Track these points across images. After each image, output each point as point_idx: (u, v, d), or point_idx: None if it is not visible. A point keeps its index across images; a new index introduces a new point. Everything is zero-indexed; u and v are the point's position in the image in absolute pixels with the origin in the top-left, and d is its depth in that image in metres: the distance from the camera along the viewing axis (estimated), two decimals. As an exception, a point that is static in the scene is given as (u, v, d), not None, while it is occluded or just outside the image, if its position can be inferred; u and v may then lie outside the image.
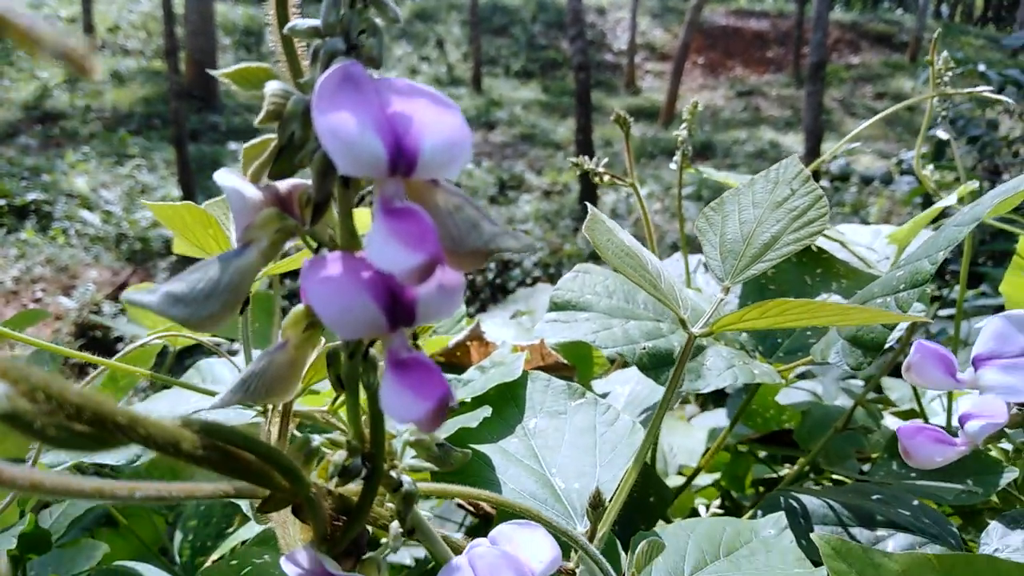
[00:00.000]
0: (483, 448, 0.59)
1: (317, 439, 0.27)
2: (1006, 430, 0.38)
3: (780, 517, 0.58)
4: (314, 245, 0.28)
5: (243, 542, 0.72)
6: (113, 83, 10.66)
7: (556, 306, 0.71)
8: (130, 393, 0.92)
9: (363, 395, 0.26)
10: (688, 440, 1.01)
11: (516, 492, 0.54)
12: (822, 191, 0.57)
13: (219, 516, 0.81)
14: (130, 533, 0.94)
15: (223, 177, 0.27)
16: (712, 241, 0.60)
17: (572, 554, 0.47)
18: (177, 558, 0.79)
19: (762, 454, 1.00)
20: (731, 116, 11.76)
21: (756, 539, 0.57)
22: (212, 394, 0.65)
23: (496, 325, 1.25)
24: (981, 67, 6.93)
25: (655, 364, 0.66)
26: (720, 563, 0.54)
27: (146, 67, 11.49)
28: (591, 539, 0.46)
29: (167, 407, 0.69)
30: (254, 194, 0.27)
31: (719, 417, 1.11)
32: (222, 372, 0.74)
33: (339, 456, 0.27)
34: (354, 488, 0.27)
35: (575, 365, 0.93)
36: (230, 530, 0.77)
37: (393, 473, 0.28)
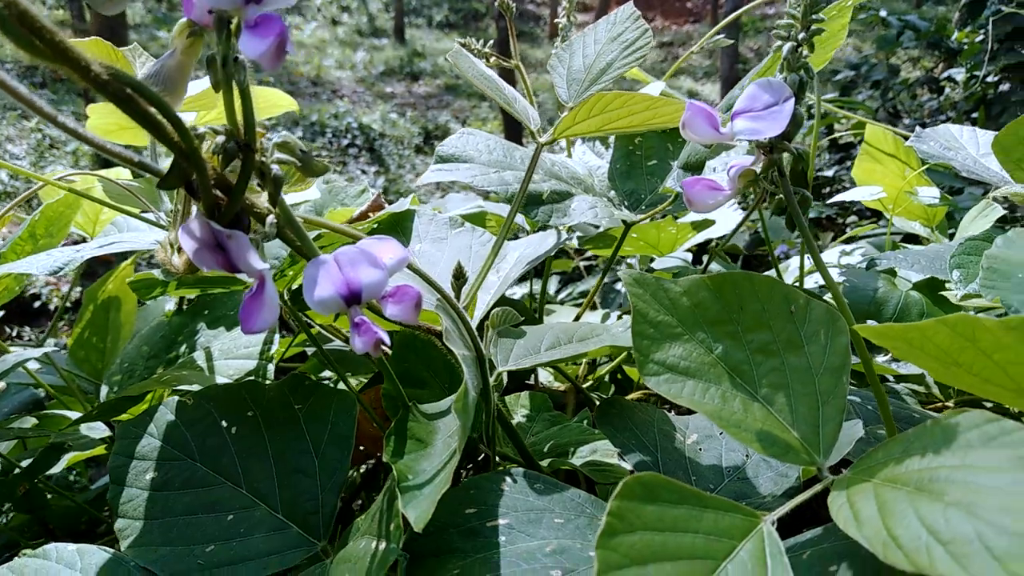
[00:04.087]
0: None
1: (203, 129, 0.35)
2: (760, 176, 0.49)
3: (625, 318, 0.69)
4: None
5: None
6: (11, 33, 10.07)
7: (441, 159, 0.80)
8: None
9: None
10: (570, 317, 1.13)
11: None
12: (648, 26, 0.68)
13: (142, 369, 0.88)
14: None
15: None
16: (561, 73, 0.70)
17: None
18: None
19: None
20: (652, 66, 11.94)
21: (605, 332, 0.68)
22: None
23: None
24: (883, 13, 7.19)
25: (527, 202, 0.76)
26: (571, 345, 0.65)
27: (49, 15, 10.87)
28: (456, 299, 0.56)
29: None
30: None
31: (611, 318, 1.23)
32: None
33: (219, 139, 0.35)
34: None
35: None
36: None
37: (263, 159, 0.36)
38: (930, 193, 1.16)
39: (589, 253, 1.71)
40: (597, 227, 1.13)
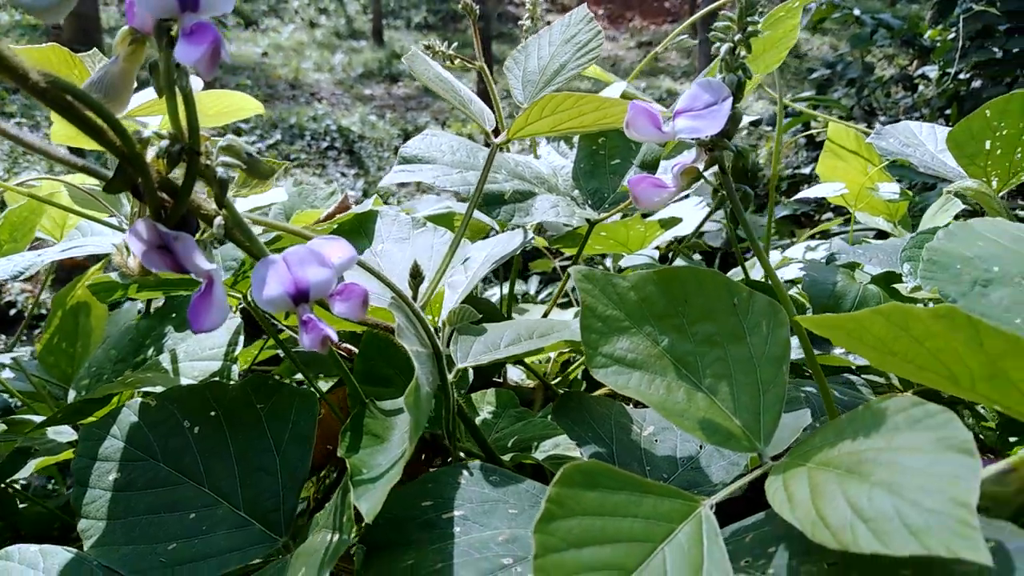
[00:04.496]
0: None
1: (147, 132, 0.36)
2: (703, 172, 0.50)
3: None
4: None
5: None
6: (-16, 38, 9.94)
7: (404, 160, 0.81)
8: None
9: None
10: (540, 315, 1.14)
11: (359, 289, 0.65)
12: (600, 28, 0.69)
13: (110, 373, 0.88)
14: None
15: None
16: (517, 75, 0.71)
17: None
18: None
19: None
20: (631, 66, 11.99)
21: (565, 328, 0.70)
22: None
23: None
24: (857, 11, 7.27)
25: (487, 201, 0.77)
26: (531, 340, 0.67)
27: (22, 21, 10.76)
28: (413, 299, 0.57)
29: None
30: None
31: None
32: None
33: (164, 143, 0.36)
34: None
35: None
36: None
37: (208, 162, 0.37)
38: (890, 189, 1.18)
39: (569, 254, 1.73)
40: (568, 226, 1.14)
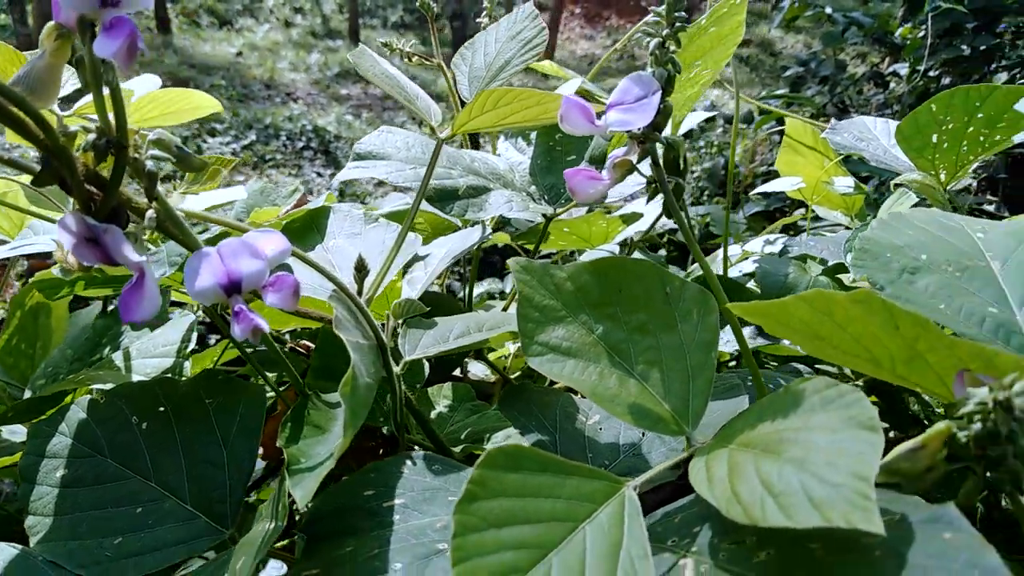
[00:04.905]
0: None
1: (74, 128, 0.36)
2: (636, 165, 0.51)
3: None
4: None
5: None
6: (-49, 39, 9.79)
7: (359, 156, 0.81)
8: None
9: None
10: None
11: (306, 285, 0.65)
12: (544, 25, 0.71)
13: (66, 372, 0.88)
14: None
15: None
16: (464, 71, 0.72)
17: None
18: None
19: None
20: (608, 65, 12.04)
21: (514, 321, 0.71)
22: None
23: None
24: (829, 10, 7.36)
25: (441, 197, 0.78)
26: (480, 333, 0.68)
27: (-11, 21, 10.59)
28: (359, 292, 0.58)
29: None
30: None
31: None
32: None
33: (91, 137, 0.36)
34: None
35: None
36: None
37: (137, 156, 0.38)
38: (845, 183, 1.20)
39: (544, 251, 1.74)
40: (531, 222, 1.15)
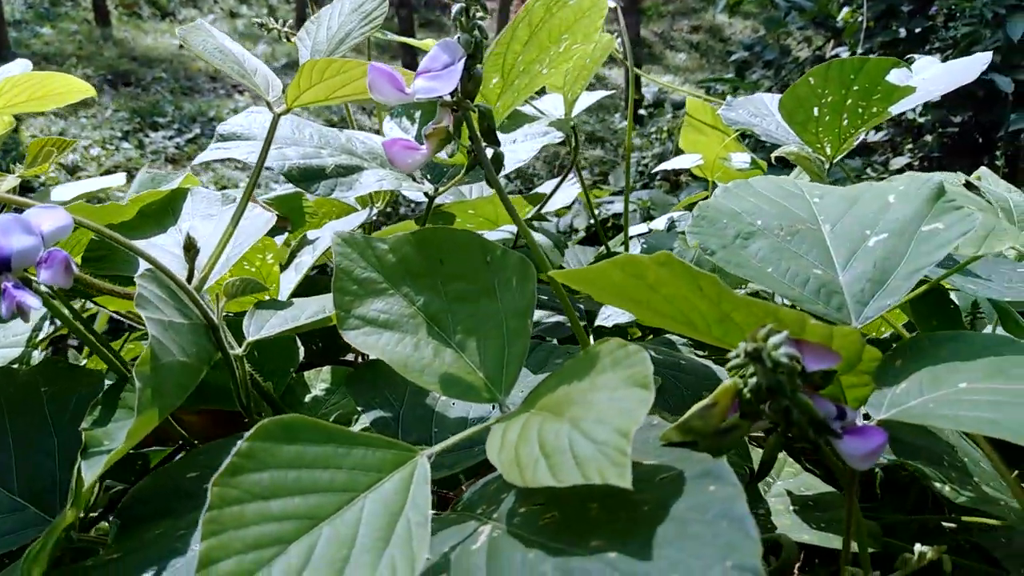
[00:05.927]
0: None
1: None
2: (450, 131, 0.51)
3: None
4: None
5: None
6: None
7: (222, 137, 0.79)
8: None
9: None
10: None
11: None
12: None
13: None
14: None
15: None
16: (307, 46, 0.71)
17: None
18: None
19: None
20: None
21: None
22: None
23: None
24: (773, -5, 7.44)
25: (305, 177, 0.77)
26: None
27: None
28: (188, 279, 0.57)
29: None
30: None
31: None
32: None
33: None
34: None
35: (288, 216, 1.03)
36: None
37: None
38: (742, 159, 1.22)
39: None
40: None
